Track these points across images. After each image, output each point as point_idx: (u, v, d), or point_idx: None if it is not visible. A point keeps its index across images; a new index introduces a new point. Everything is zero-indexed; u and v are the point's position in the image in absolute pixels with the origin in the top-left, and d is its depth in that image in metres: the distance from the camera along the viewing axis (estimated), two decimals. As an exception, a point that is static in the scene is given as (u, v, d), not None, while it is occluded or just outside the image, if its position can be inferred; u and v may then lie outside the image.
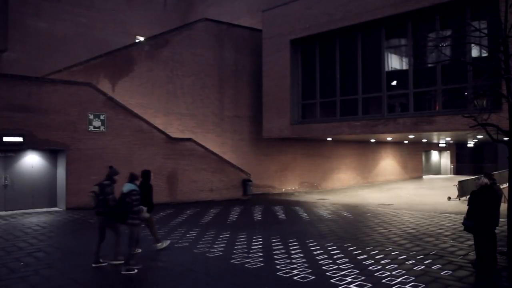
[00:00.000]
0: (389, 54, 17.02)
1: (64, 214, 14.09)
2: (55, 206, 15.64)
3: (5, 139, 13.81)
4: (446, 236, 10.63)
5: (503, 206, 8.67)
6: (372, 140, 26.54)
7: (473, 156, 39.18)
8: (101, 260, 7.91)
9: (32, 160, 15.25)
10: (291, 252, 8.88)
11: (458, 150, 39.79)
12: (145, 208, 7.96)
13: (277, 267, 7.71)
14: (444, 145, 36.73)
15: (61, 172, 15.40)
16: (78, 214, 14.03)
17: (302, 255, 8.62)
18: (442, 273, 7.33)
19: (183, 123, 19.62)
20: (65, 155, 14.96)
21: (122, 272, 7.36)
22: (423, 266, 7.76)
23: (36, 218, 13.36)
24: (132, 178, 7.89)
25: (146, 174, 8.80)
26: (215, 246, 9.44)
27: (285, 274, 7.25)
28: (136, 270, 7.46)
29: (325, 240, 10.14)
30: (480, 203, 7.66)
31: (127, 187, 7.69)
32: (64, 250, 9.12)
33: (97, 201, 7.98)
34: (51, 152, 15.51)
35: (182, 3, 30.05)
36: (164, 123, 18.80)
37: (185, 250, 9.12)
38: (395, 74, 17.10)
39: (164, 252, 8.91)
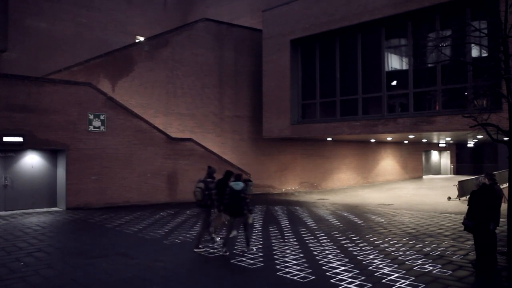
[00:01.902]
0: (389, 54, 17.03)
1: (64, 214, 14.09)
2: (55, 206, 15.65)
3: (5, 139, 13.82)
4: (446, 236, 10.63)
5: (503, 206, 8.67)
6: (372, 140, 26.54)
7: (473, 156, 39.18)
8: (200, 246, 9.05)
9: (32, 160, 15.26)
10: (291, 252, 8.88)
11: (458, 150, 39.80)
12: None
13: (277, 267, 7.71)
14: (444, 145, 36.73)
15: (61, 172, 15.41)
16: (78, 214, 14.03)
17: (302, 255, 8.62)
18: (442, 273, 7.33)
19: (183, 123, 19.62)
20: (65, 155, 14.96)
21: (221, 253, 8.62)
22: (423, 266, 7.76)
23: (36, 218, 13.36)
24: (238, 178, 9.06)
25: (228, 174, 9.77)
26: (215, 246, 9.43)
27: (285, 274, 7.25)
28: (228, 253, 8.61)
29: (325, 240, 10.14)
30: (481, 203, 7.66)
31: (239, 185, 8.83)
32: (64, 250, 9.11)
33: (203, 195, 9.11)
34: (51, 152, 15.51)
35: (182, 3, 30.06)
36: (164, 123, 18.81)
37: (185, 250, 9.12)
38: (395, 74, 17.10)
39: (164, 252, 8.91)
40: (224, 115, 21.12)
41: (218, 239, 9.79)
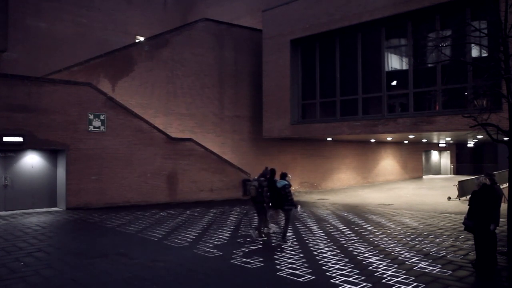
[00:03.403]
0: (389, 54, 17.03)
1: (64, 214, 14.09)
2: (55, 206, 15.65)
3: (5, 139, 13.82)
4: (446, 236, 10.63)
5: (503, 206, 8.67)
6: (372, 140, 26.55)
7: (473, 156, 39.19)
8: (263, 235, 10.29)
9: (32, 160, 15.26)
10: (291, 252, 8.88)
11: (458, 150, 39.80)
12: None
13: (277, 267, 7.71)
14: (444, 145, 36.72)
15: (61, 172, 15.41)
16: (78, 214, 14.03)
17: (302, 255, 8.62)
18: (442, 273, 7.33)
19: (183, 123, 19.63)
20: (65, 155, 14.96)
21: (281, 243, 9.63)
22: (423, 266, 7.76)
23: (36, 218, 13.36)
24: (283, 176, 10.09)
25: (273, 172, 10.63)
26: (215, 246, 9.44)
27: (285, 274, 7.25)
28: (288, 242, 9.68)
29: (325, 240, 10.14)
30: (481, 203, 7.66)
31: (281, 183, 9.89)
32: (64, 250, 9.12)
33: (256, 192, 10.22)
34: (51, 152, 15.51)
35: (182, 3, 30.06)
36: (164, 123, 18.81)
37: (185, 250, 9.12)
38: (395, 74, 17.11)
39: (164, 252, 8.92)
40: (224, 115, 21.12)
41: (271, 230, 10.96)
